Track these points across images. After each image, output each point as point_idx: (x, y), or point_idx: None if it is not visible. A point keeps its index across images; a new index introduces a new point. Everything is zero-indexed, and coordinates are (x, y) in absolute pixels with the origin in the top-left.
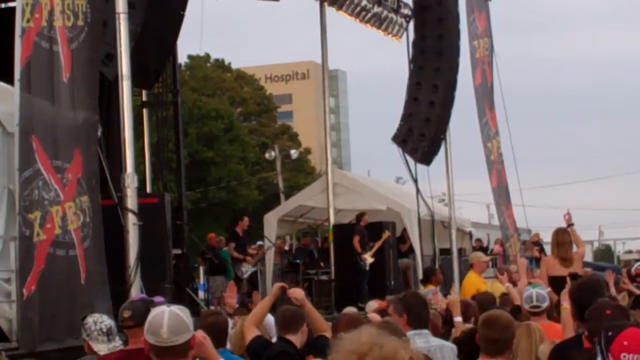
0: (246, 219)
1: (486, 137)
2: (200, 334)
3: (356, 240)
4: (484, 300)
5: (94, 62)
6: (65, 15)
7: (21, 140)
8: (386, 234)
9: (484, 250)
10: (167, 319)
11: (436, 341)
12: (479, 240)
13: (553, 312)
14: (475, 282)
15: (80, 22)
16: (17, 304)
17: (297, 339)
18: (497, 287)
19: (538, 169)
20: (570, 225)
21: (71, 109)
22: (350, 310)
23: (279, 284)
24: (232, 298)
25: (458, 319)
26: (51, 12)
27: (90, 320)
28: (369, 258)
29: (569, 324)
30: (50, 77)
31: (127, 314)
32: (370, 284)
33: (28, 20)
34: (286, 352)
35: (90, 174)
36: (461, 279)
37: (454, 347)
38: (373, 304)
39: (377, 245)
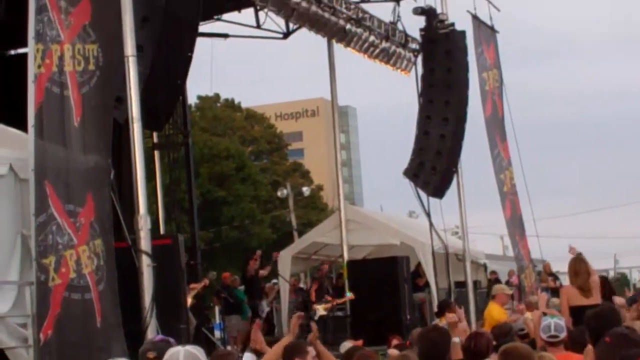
0: (258, 252)
1: (498, 168)
2: None
3: (313, 288)
4: (499, 332)
5: (106, 106)
6: (76, 60)
7: (35, 186)
8: (349, 296)
9: (499, 282)
10: (183, 357)
11: None
12: (494, 272)
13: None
14: (497, 314)
15: (91, 67)
16: (34, 348)
17: None
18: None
19: (551, 199)
20: (579, 254)
21: (82, 153)
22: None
23: (295, 319)
24: (257, 334)
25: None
26: (61, 58)
27: None
28: (320, 309)
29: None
30: (62, 121)
31: (151, 355)
32: (385, 319)
33: (39, 66)
34: None
35: (103, 217)
36: (477, 311)
37: None
38: (347, 344)
39: (335, 302)
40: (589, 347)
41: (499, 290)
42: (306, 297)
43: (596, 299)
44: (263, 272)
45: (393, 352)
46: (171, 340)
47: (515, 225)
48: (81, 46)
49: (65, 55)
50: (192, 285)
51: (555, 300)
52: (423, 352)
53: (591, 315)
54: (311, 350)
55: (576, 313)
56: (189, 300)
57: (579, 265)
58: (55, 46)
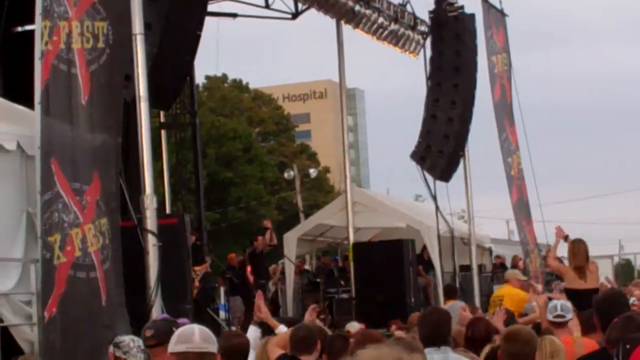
0: (260, 238)
1: (506, 152)
2: None
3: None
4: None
5: (116, 84)
6: (84, 38)
7: (42, 164)
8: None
9: (505, 267)
10: (198, 329)
11: (455, 357)
12: (499, 256)
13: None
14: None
15: (100, 44)
16: (38, 326)
17: (311, 359)
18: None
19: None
20: (566, 237)
21: (90, 131)
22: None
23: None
24: (261, 306)
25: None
26: (69, 35)
27: (127, 338)
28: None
29: None
30: (69, 99)
31: (149, 332)
32: (390, 302)
33: (46, 44)
34: None
35: (109, 196)
36: (481, 295)
37: None
38: (355, 324)
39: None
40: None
41: (512, 276)
42: (312, 278)
43: (593, 282)
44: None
45: (399, 333)
46: (184, 320)
47: (522, 209)
48: (90, 23)
49: (73, 32)
50: (196, 269)
51: (563, 284)
52: (424, 334)
53: (601, 299)
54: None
55: (572, 296)
56: (196, 284)
57: (577, 246)
58: (63, 23)
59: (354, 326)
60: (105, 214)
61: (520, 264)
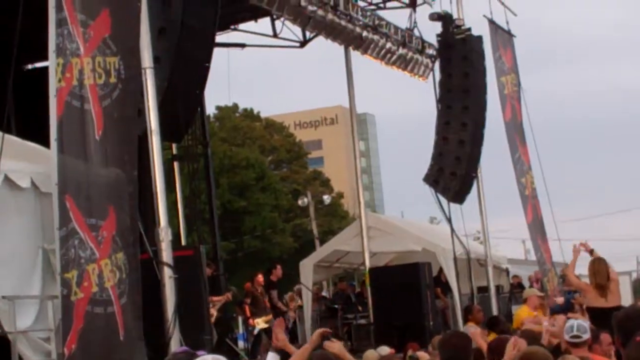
0: (279, 267)
1: (520, 172)
2: None
3: (246, 303)
4: (526, 337)
5: (129, 118)
6: (96, 73)
7: (58, 200)
8: (298, 302)
9: (522, 287)
10: None
11: None
12: (516, 276)
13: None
14: (524, 315)
15: (112, 80)
16: None
17: None
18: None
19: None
20: (592, 251)
21: (104, 166)
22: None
23: (319, 331)
24: (280, 332)
25: None
26: (81, 71)
27: None
28: (260, 323)
29: None
30: (82, 135)
31: None
32: (409, 326)
33: (60, 80)
34: None
35: (126, 230)
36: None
37: None
38: (385, 348)
39: (285, 309)
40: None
41: (531, 294)
42: (330, 304)
43: (615, 300)
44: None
45: (423, 355)
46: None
47: (537, 229)
48: (102, 59)
49: (85, 68)
50: (215, 299)
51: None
52: (445, 357)
53: (622, 317)
54: None
55: (594, 315)
56: (214, 313)
57: (597, 265)
58: (75, 59)
59: (384, 350)
60: (121, 249)
61: (535, 285)
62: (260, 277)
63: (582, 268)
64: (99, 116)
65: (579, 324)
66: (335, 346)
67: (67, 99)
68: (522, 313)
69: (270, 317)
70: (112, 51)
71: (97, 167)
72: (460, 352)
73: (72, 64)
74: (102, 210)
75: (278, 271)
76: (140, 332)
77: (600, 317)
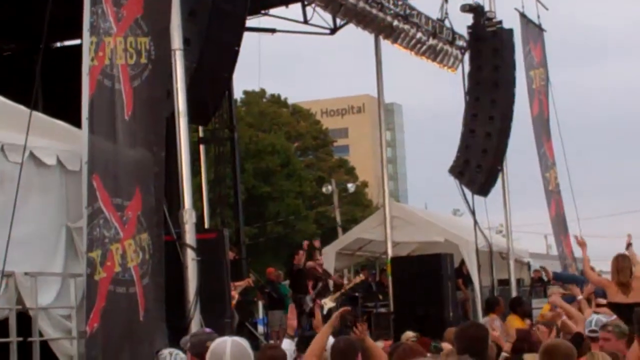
0: (306, 242)
1: (544, 167)
2: None
3: (310, 285)
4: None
5: (158, 99)
6: (128, 53)
7: (87, 179)
8: (359, 277)
9: (542, 281)
10: (230, 347)
11: None
12: (537, 270)
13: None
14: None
15: (143, 60)
16: (77, 341)
17: None
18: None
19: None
20: (629, 245)
21: (132, 146)
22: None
23: (339, 312)
24: (293, 320)
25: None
26: (113, 51)
27: (166, 352)
28: (327, 302)
29: None
30: (112, 115)
31: (209, 344)
32: (429, 316)
33: (93, 59)
34: None
35: (151, 211)
36: None
37: None
38: (409, 334)
39: (346, 287)
40: (635, 343)
41: (555, 290)
42: (350, 292)
43: (637, 296)
44: (313, 264)
45: (447, 345)
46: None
47: (559, 224)
48: (133, 39)
49: (117, 48)
50: (236, 283)
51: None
52: (462, 347)
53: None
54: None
55: (615, 309)
56: (235, 296)
57: (621, 262)
58: (108, 39)
59: (406, 336)
60: (146, 229)
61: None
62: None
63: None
64: (129, 96)
65: (598, 319)
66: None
67: (99, 78)
68: (544, 309)
69: (336, 295)
70: (144, 32)
71: (124, 147)
72: (476, 343)
73: (104, 43)
74: (129, 190)
75: (300, 256)
76: (162, 314)
77: (621, 312)
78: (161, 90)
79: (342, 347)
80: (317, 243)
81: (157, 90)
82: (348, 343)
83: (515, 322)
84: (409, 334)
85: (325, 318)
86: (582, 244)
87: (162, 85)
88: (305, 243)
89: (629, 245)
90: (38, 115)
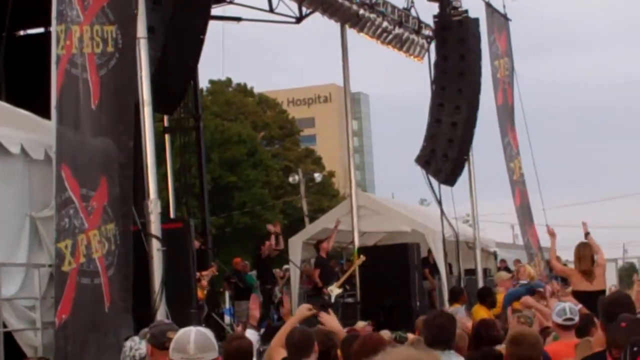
0: (267, 242)
1: (508, 157)
2: None
3: (316, 274)
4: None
5: (126, 88)
6: (94, 42)
7: (55, 169)
8: (359, 260)
9: (509, 271)
10: (194, 335)
11: None
12: (503, 260)
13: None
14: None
15: (110, 49)
16: (41, 332)
17: None
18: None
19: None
20: (587, 234)
21: (99, 136)
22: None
23: (305, 306)
24: (255, 310)
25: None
26: (80, 39)
27: (128, 344)
28: (334, 290)
29: None
30: (79, 104)
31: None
32: (396, 306)
33: (62, 48)
34: None
35: (118, 202)
36: None
37: None
38: (361, 323)
39: (347, 273)
40: (599, 332)
41: (504, 277)
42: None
43: (600, 284)
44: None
45: (412, 336)
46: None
47: (524, 213)
48: (100, 27)
49: (84, 36)
50: (203, 273)
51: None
52: (429, 337)
53: (608, 302)
54: (317, 349)
55: (579, 298)
56: (205, 285)
57: (583, 250)
58: (75, 27)
59: (359, 325)
60: (112, 220)
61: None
62: (325, 244)
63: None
64: (96, 85)
65: (571, 307)
66: (327, 317)
67: (67, 67)
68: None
69: (341, 282)
70: (110, 20)
71: (91, 136)
72: (444, 332)
73: (72, 32)
74: (94, 180)
75: (266, 247)
76: (128, 305)
77: (585, 301)
78: (128, 79)
79: (296, 339)
80: (271, 227)
81: (124, 79)
82: (303, 333)
83: (481, 312)
84: (362, 324)
85: (333, 306)
86: (552, 234)
87: (130, 74)
88: (270, 227)
89: (587, 234)
90: (1, 104)
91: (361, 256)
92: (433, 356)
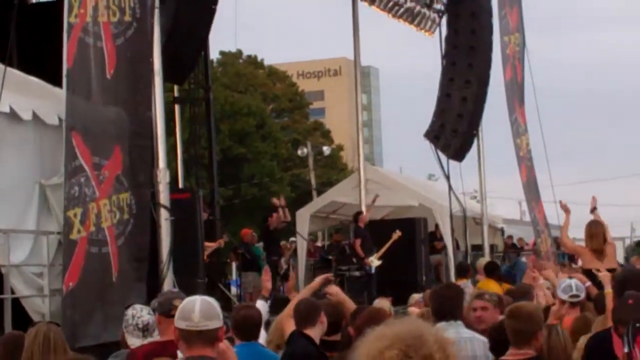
0: (275, 215)
1: (516, 133)
2: (224, 344)
3: (357, 244)
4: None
5: (143, 57)
6: (111, 11)
7: (65, 137)
8: (397, 234)
9: (515, 247)
10: (199, 304)
11: (467, 333)
12: (510, 237)
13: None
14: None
15: (127, 18)
16: (49, 298)
17: (316, 331)
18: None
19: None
20: (594, 209)
21: (114, 105)
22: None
23: (323, 276)
24: (268, 281)
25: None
26: (95, 8)
27: (129, 312)
28: (374, 261)
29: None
30: (93, 73)
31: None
32: (402, 280)
33: (76, 16)
34: (307, 354)
35: (134, 171)
36: None
37: (486, 340)
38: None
39: (386, 247)
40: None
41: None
42: (324, 255)
43: (611, 262)
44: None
45: (414, 310)
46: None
47: (531, 190)
48: None
49: (99, 5)
50: (207, 244)
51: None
52: (436, 308)
53: (621, 278)
54: (323, 320)
55: (590, 276)
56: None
57: (594, 228)
58: None
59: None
60: (127, 189)
61: (531, 243)
62: (363, 215)
63: (578, 231)
64: (112, 55)
65: (577, 284)
66: (334, 290)
67: (81, 35)
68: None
69: (380, 253)
70: None
71: (106, 106)
72: (451, 302)
73: (86, 0)
74: (107, 149)
75: (274, 219)
76: (142, 274)
77: (595, 279)
78: (146, 49)
79: (302, 308)
80: (275, 201)
81: (142, 49)
82: (309, 303)
83: (492, 286)
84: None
85: (371, 277)
86: (566, 210)
87: (147, 45)
88: (275, 200)
89: (594, 209)
90: (13, 72)
91: (397, 231)
92: (435, 329)
